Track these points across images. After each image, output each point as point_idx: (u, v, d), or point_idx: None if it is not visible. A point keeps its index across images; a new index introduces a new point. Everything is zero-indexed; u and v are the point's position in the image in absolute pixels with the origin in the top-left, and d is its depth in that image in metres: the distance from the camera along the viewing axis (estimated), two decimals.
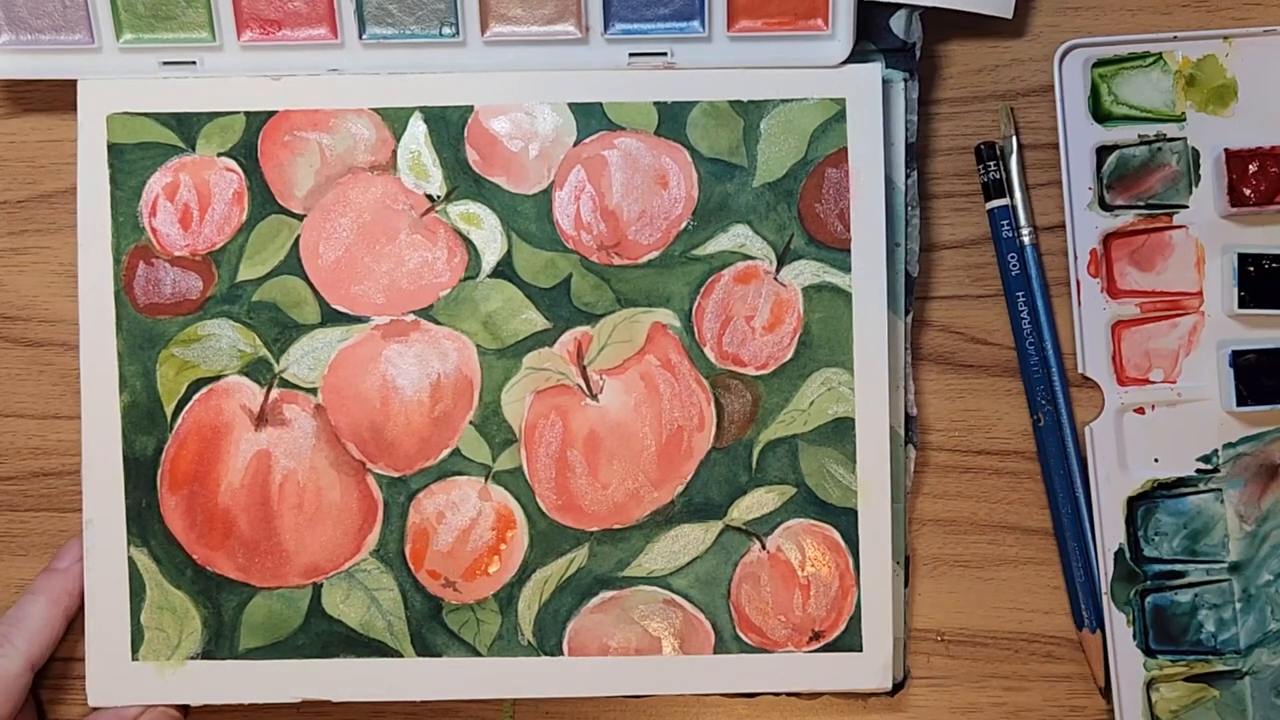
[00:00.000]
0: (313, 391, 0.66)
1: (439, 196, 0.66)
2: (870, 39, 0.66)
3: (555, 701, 0.69)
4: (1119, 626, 0.67)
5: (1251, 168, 0.66)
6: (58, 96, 0.68)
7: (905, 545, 0.68)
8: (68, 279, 0.68)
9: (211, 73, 0.66)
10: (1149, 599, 0.67)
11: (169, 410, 0.66)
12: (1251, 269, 0.66)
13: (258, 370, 0.66)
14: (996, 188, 0.68)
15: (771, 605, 0.66)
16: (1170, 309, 0.67)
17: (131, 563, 0.65)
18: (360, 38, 0.65)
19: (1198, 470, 0.67)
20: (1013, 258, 0.68)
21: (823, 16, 0.65)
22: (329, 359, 0.66)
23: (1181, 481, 0.67)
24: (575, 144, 0.66)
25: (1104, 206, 0.67)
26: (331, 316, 0.66)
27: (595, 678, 0.66)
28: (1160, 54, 0.67)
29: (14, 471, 0.69)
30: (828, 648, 0.66)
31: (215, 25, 0.65)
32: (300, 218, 0.66)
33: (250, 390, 0.66)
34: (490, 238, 0.66)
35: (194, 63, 0.65)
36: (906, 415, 0.67)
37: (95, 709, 0.66)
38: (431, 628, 0.66)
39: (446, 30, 0.65)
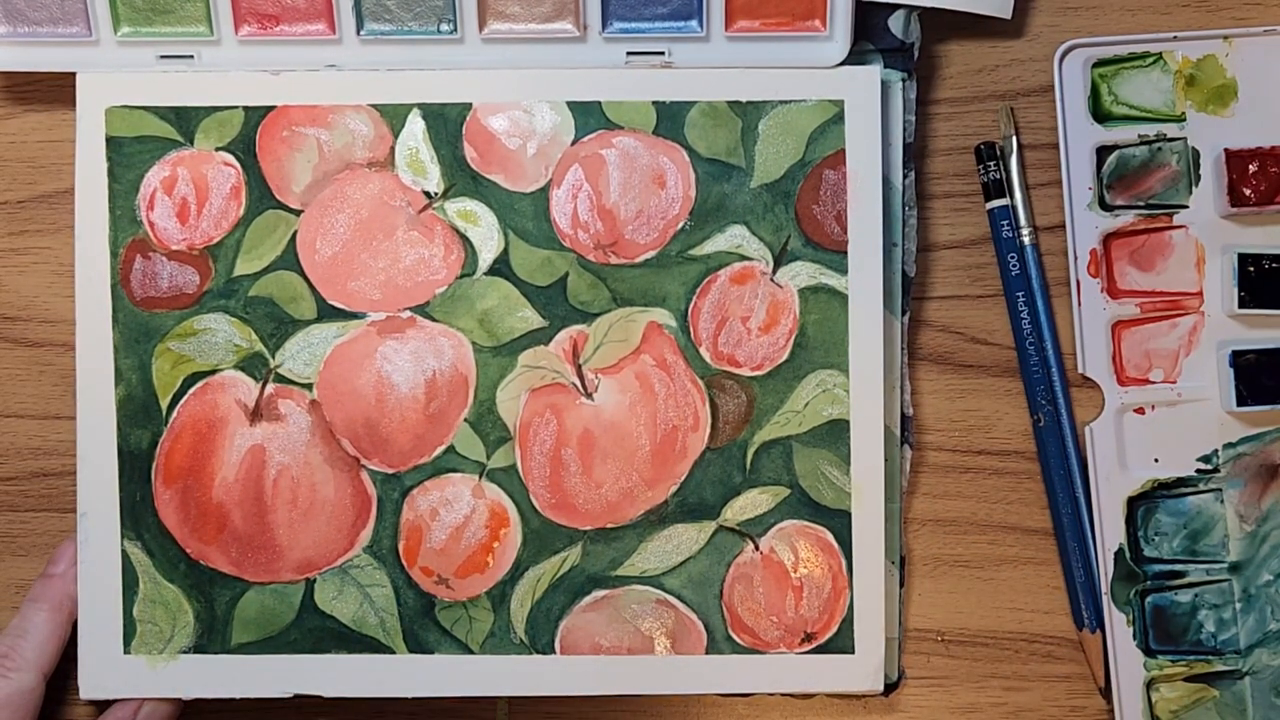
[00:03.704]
0: (308, 387, 0.66)
1: (436, 193, 0.66)
2: (868, 39, 0.66)
3: (554, 701, 0.69)
4: (1119, 626, 0.66)
5: (1251, 168, 0.65)
6: (58, 95, 0.68)
7: (901, 545, 0.68)
8: (68, 279, 0.68)
9: (209, 67, 0.66)
10: (1149, 599, 0.67)
11: (164, 404, 0.66)
12: (1251, 269, 0.66)
13: (253, 365, 0.66)
14: (996, 188, 0.68)
15: (764, 606, 0.66)
16: (1170, 309, 0.67)
17: (125, 556, 0.65)
18: (358, 34, 0.66)
19: (1198, 470, 0.67)
20: (1013, 258, 0.68)
21: (820, 17, 0.65)
22: (324, 355, 0.66)
23: (1181, 481, 0.67)
24: (573, 143, 0.66)
25: (1104, 206, 0.67)
26: (328, 312, 0.66)
27: (587, 676, 0.66)
28: (1160, 54, 0.67)
29: (14, 471, 0.69)
30: (820, 649, 0.66)
31: (213, 19, 0.65)
32: (298, 213, 0.66)
33: (245, 385, 0.66)
34: (487, 235, 0.66)
35: (191, 57, 0.66)
36: (903, 415, 0.67)
37: (95, 703, 0.67)
38: (424, 625, 0.66)
39: (444, 27, 0.66)
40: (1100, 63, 0.67)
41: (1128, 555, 0.66)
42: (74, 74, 0.66)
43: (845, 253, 0.66)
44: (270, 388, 0.66)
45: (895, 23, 0.66)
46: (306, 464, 0.66)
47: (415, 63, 0.66)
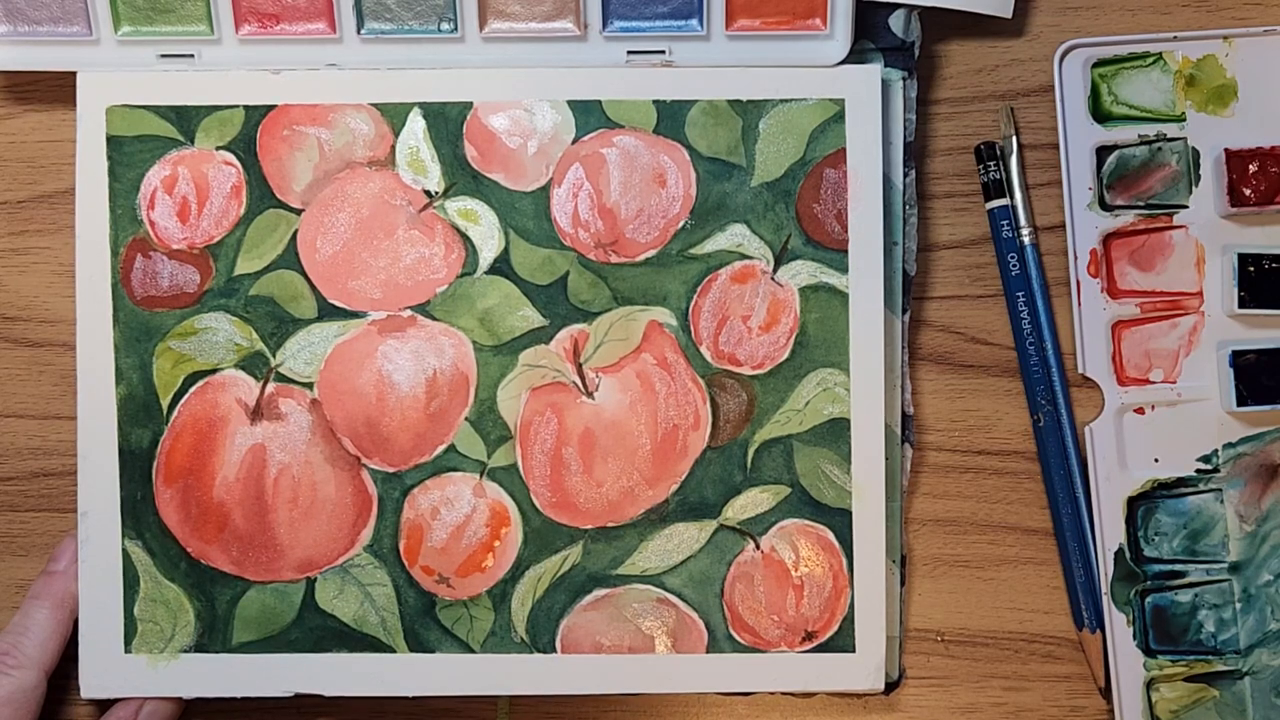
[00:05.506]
0: (309, 386, 0.66)
1: (437, 192, 0.66)
2: (869, 38, 0.66)
3: (555, 701, 0.69)
4: (1119, 626, 0.66)
5: (1251, 168, 0.66)
6: (58, 95, 0.68)
7: (902, 544, 0.68)
8: (68, 279, 0.68)
9: (209, 66, 0.66)
10: (1149, 599, 0.67)
11: (165, 403, 0.66)
12: (1251, 269, 0.66)
13: (254, 364, 0.66)
14: (996, 188, 0.68)
15: (765, 605, 0.66)
16: (1170, 309, 0.67)
17: (126, 555, 0.65)
18: (358, 33, 0.66)
19: (1198, 470, 0.67)
20: (1013, 258, 0.68)
21: (821, 16, 0.65)
22: (325, 354, 0.66)
23: (1181, 481, 0.67)
24: (574, 141, 0.66)
25: (1104, 206, 0.67)
26: (328, 311, 0.66)
27: (587, 675, 0.66)
28: (1160, 54, 0.67)
29: (14, 471, 0.69)
30: (820, 648, 0.66)
31: (213, 19, 0.65)
32: (298, 212, 0.66)
33: (246, 384, 0.66)
34: (488, 234, 0.66)
35: (192, 56, 0.66)
36: (904, 414, 0.67)
37: (96, 702, 0.67)
38: (425, 624, 0.66)
39: (445, 26, 0.66)
40: (1100, 63, 0.67)
41: (1128, 555, 0.67)
42: (74, 73, 0.65)
43: (846, 251, 0.66)
44: (271, 387, 0.66)
45: (895, 22, 0.66)
46: (307, 463, 0.66)
47: (416, 62, 0.66)
